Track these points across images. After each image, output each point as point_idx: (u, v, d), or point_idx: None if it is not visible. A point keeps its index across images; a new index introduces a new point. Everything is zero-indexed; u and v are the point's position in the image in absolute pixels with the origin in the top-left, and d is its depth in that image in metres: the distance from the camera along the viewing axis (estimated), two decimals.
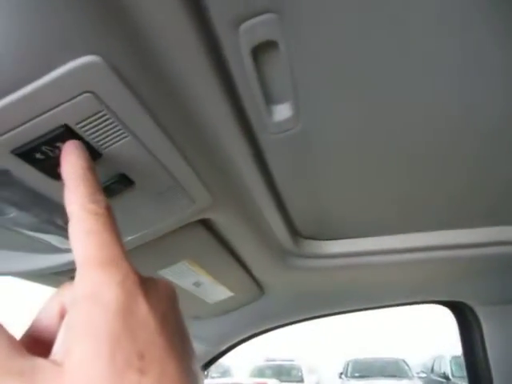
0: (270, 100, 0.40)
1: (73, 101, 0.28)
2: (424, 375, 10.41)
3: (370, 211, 0.70)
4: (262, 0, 0.29)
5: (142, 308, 0.24)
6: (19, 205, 0.38)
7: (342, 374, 11.01)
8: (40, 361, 0.22)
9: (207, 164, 0.46)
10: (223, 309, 1.12)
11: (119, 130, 0.33)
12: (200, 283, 0.88)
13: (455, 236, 0.77)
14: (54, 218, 0.43)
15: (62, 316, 0.26)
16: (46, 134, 0.30)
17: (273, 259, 0.83)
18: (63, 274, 0.58)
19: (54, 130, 0.30)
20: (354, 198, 0.65)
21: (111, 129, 0.32)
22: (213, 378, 10.73)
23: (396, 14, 0.32)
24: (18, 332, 0.25)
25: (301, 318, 1.34)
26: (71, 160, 0.29)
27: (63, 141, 0.30)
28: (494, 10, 0.33)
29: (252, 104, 0.40)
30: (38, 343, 0.25)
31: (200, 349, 1.31)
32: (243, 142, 0.44)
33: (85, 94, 0.28)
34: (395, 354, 11.65)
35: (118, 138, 0.33)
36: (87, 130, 0.31)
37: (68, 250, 0.54)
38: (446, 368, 9.07)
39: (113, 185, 0.38)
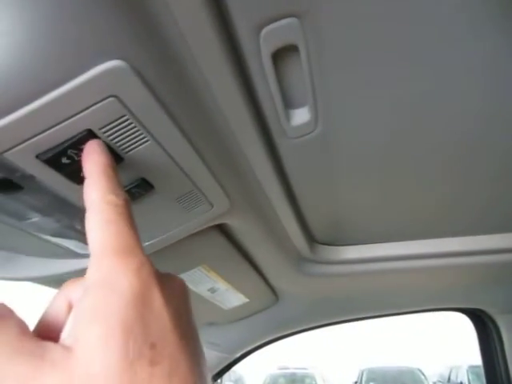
0: (288, 104, 0.40)
1: (97, 105, 0.29)
2: None
3: (387, 217, 0.70)
4: (283, 4, 0.29)
5: (157, 299, 0.24)
6: (42, 210, 0.39)
7: (356, 382, 10.86)
8: (50, 344, 0.22)
9: (226, 169, 0.46)
10: (238, 315, 1.12)
11: (141, 134, 0.33)
12: (215, 289, 0.88)
13: (472, 242, 0.76)
14: (75, 223, 0.43)
15: (69, 310, 0.26)
16: (69, 140, 0.30)
17: (288, 265, 0.83)
18: None
19: (77, 136, 0.30)
20: (371, 203, 0.64)
21: (133, 133, 0.32)
22: None
23: (416, 16, 0.32)
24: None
25: (315, 324, 1.33)
26: (93, 158, 0.29)
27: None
28: (506, 16, 0.32)
29: (271, 108, 0.40)
30: (46, 338, 0.25)
31: (214, 355, 1.30)
32: (261, 146, 0.44)
33: (109, 99, 0.29)
34: (411, 362, 11.46)
35: (139, 143, 0.34)
36: (110, 135, 0.31)
37: (86, 256, 0.54)
38: (463, 378, 8.88)
39: (133, 189, 0.39)
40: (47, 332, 0.25)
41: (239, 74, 0.34)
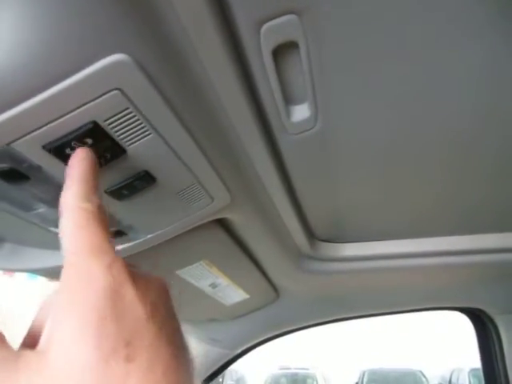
0: (289, 100, 0.41)
1: (102, 98, 0.30)
2: None
3: (387, 214, 0.70)
4: (283, 1, 0.30)
5: (129, 293, 0.25)
6: (47, 201, 0.40)
7: (357, 383, 10.84)
8: (24, 351, 0.23)
9: (227, 163, 0.47)
10: (239, 311, 1.13)
11: (144, 127, 0.34)
12: (216, 285, 0.88)
13: (472, 241, 0.77)
14: None
15: None
16: (75, 131, 0.31)
17: (289, 261, 0.84)
18: None
19: (83, 127, 0.31)
20: (371, 200, 0.65)
21: (136, 126, 0.33)
22: None
23: (416, 14, 0.32)
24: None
25: (315, 322, 1.34)
26: (75, 163, 0.30)
27: (91, 137, 0.32)
28: (504, 16, 0.33)
29: (271, 104, 0.40)
30: (31, 348, 0.25)
31: (215, 351, 1.32)
32: (262, 142, 0.45)
33: (113, 92, 0.30)
34: (412, 364, 11.42)
35: (142, 135, 0.35)
36: (114, 127, 0.32)
37: None
38: (465, 381, 8.85)
39: (136, 182, 0.40)
40: (31, 343, 0.25)
41: (240, 70, 0.35)
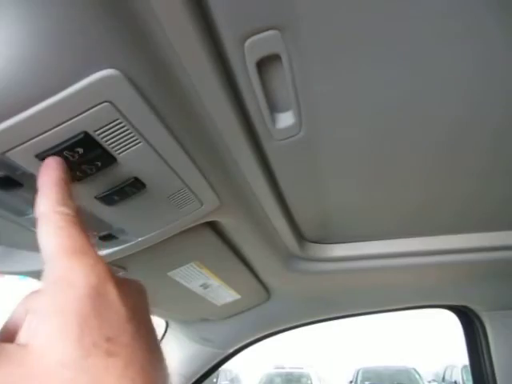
0: (273, 108, 0.43)
1: (92, 110, 0.31)
2: None
3: (374, 215, 0.72)
4: (265, 18, 0.32)
5: (112, 292, 0.26)
6: None
7: (351, 382, 10.89)
8: (4, 344, 0.23)
9: (215, 169, 0.49)
10: (230, 311, 1.14)
11: (133, 136, 0.35)
12: (208, 285, 0.90)
13: (459, 240, 0.78)
14: None
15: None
16: (67, 141, 0.32)
17: (278, 262, 0.85)
18: None
19: (74, 137, 0.32)
20: (357, 202, 0.66)
21: (126, 135, 0.35)
22: None
23: (396, 20, 0.34)
24: None
25: (307, 321, 1.35)
26: (47, 172, 0.31)
27: (83, 146, 0.33)
28: (504, 15, 0.34)
29: (257, 112, 0.42)
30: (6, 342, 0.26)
31: (207, 351, 1.33)
32: (249, 148, 0.46)
33: (103, 104, 0.31)
34: (406, 362, 11.49)
35: (131, 144, 0.36)
36: (104, 137, 0.34)
37: None
38: (458, 377, 8.94)
39: (126, 187, 0.41)
40: (7, 338, 0.25)
41: (226, 81, 0.37)
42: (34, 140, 0.32)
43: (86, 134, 0.33)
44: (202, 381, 1.35)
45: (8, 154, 0.32)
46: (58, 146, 0.33)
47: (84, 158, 0.34)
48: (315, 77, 0.39)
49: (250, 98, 0.40)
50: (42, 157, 0.33)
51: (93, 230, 0.49)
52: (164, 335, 1.30)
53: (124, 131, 0.34)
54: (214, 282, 0.88)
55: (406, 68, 0.38)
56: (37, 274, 0.61)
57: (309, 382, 11.10)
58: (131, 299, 0.27)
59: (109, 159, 0.36)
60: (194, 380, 1.32)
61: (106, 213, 0.45)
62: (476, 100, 0.43)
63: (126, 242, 0.54)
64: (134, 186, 0.41)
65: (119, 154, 0.36)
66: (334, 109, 0.43)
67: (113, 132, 0.34)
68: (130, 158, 0.38)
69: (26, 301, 0.27)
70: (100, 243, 0.52)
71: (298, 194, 0.62)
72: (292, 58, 0.36)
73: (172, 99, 0.36)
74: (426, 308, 1.31)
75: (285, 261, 0.86)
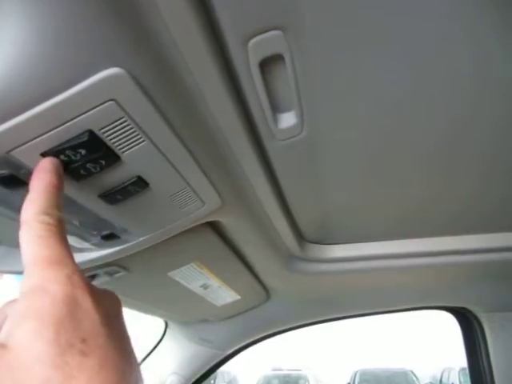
0: (276, 109, 0.43)
1: (97, 108, 0.31)
2: None
3: (374, 216, 0.72)
4: (268, 19, 0.32)
5: (87, 301, 0.27)
6: None
7: None
8: None
9: (217, 168, 0.49)
10: (230, 312, 1.14)
11: (137, 135, 0.36)
12: (208, 286, 0.90)
13: (458, 242, 0.78)
14: (73, 218, 0.46)
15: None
16: (72, 139, 0.33)
17: (279, 263, 0.85)
18: None
19: (79, 135, 0.33)
20: (358, 203, 0.66)
21: (130, 134, 0.35)
22: None
23: (399, 21, 0.34)
24: None
25: (306, 322, 1.35)
26: (40, 175, 0.32)
27: (87, 145, 0.33)
28: (504, 15, 0.34)
29: (260, 112, 0.42)
30: None
31: (206, 352, 1.33)
32: (251, 148, 0.46)
33: (108, 102, 0.31)
34: (403, 364, 11.50)
35: (135, 143, 0.36)
36: (109, 135, 0.34)
37: (83, 250, 0.57)
38: (455, 380, 8.94)
39: (129, 186, 0.41)
40: None
41: (229, 81, 0.37)
42: (38, 139, 0.32)
43: (91, 133, 0.33)
44: (201, 382, 1.35)
45: (13, 153, 0.32)
46: (63, 144, 0.33)
47: (88, 156, 0.34)
48: (318, 77, 0.39)
49: (253, 97, 0.40)
50: (47, 155, 0.33)
51: (96, 229, 0.49)
52: (163, 336, 1.30)
53: (128, 130, 0.35)
54: (214, 282, 0.89)
55: (408, 68, 0.39)
56: None
57: (306, 383, 11.08)
58: (105, 306, 0.29)
59: (113, 158, 0.36)
60: (192, 381, 1.32)
61: (109, 212, 0.45)
62: (476, 100, 0.43)
63: (127, 241, 0.54)
64: (137, 185, 0.42)
65: (123, 152, 0.37)
66: (336, 109, 0.44)
67: (117, 130, 0.34)
68: (134, 157, 0.38)
69: (4, 307, 0.28)
70: (102, 242, 0.52)
71: (298, 194, 0.62)
72: (295, 59, 0.36)
73: (175, 98, 0.37)
74: (424, 309, 1.32)
75: (285, 261, 0.86)
